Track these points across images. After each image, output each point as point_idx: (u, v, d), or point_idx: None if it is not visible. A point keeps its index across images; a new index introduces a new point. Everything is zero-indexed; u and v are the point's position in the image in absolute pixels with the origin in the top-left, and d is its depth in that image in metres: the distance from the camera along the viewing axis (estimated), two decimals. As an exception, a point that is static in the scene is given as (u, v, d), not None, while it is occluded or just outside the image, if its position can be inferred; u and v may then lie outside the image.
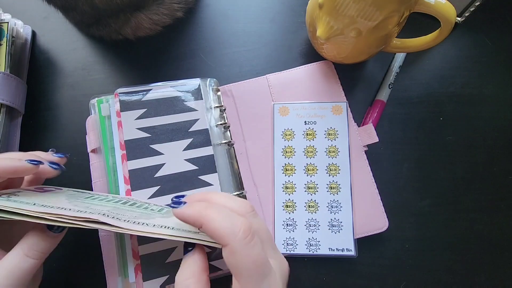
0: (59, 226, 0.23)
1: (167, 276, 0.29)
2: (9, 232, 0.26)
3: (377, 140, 0.34)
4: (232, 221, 0.19)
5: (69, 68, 0.39)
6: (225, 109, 0.35)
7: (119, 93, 0.33)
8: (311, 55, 0.38)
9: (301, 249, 0.32)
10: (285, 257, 0.32)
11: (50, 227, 0.23)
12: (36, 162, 0.24)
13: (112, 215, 0.22)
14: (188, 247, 0.22)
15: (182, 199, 0.22)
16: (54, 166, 0.26)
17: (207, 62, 0.39)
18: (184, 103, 0.33)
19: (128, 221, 0.22)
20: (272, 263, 0.20)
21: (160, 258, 0.29)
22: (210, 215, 0.19)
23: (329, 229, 0.33)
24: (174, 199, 0.22)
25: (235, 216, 0.20)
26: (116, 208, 0.24)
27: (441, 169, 0.36)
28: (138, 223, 0.22)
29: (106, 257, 0.32)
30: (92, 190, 0.34)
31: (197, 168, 0.32)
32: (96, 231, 0.32)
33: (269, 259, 0.20)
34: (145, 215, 0.24)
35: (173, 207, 0.21)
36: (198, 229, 0.21)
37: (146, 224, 0.22)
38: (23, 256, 0.22)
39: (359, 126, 0.36)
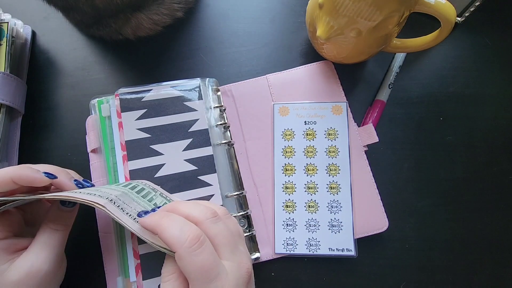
0: (69, 202, 0.27)
1: None
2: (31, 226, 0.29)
3: (377, 140, 0.34)
4: (182, 229, 0.22)
5: (69, 68, 0.39)
6: (225, 109, 0.35)
7: (120, 93, 0.33)
8: (311, 55, 0.38)
9: (301, 249, 0.32)
10: (285, 257, 0.33)
11: (62, 203, 0.27)
12: (52, 176, 0.26)
13: (118, 203, 0.24)
14: None
15: (153, 211, 0.25)
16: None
17: (207, 62, 0.39)
18: (184, 103, 0.33)
19: (130, 215, 0.24)
20: (227, 265, 0.22)
21: (159, 257, 0.29)
22: (164, 224, 0.22)
23: (329, 229, 0.33)
24: (150, 210, 0.25)
25: (187, 225, 0.22)
26: (125, 194, 0.26)
27: (441, 169, 0.36)
28: (135, 219, 0.24)
29: (106, 257, 0.32)
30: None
31: (197, 168, 0.32)
32: (96, 231, 0.32)
33: (225, 262, 0.22)
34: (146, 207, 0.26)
35: (139, 216, 0.24)
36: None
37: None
38: (52, 229, 0.25)
39: (359, 126, 0.36)
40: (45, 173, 0.25)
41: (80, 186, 0.28)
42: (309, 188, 0.34)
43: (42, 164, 0.27)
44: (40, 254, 0.24)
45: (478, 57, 0.39)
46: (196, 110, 0.33)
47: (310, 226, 0.33)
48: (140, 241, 0.29)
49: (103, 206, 0.23)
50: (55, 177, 0.26)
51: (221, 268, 0.22)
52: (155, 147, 0.32)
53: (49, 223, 0.26)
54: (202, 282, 0.21)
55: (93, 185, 0.28)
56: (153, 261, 0.29)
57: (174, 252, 0.22)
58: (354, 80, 0.38)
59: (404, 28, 0.32)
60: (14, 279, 0.23)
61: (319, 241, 0.33)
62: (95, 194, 0.24)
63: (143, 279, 0.28)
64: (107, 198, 0.24)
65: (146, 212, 0.24)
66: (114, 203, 0.24)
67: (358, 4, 0.27)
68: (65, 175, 0.27)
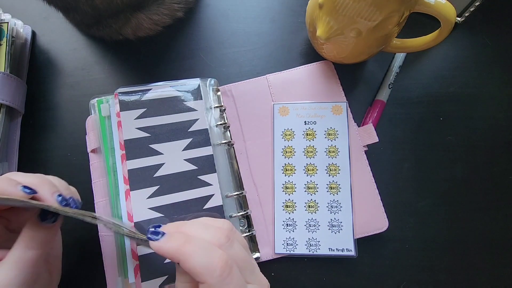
0: (52, 216, 0.24)
1: (166, 277, 0.29)
2: (7, 235, 0.26)
3: (377, 140, 0.34)
4: (209, 258, 0.20)
5: (69, 68, 0.39)
6: (225, 109, 0.35)
7: (119, 93, 0.33)
8: (311, 55, 0.38)
9: (301, 249, 0.32)
10: (285, 257, 0.33)
11: (42, 218, 0.23)
12: (29, 192, 0.23)
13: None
14: None
15: (160, 229, 0.22)
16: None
17: (207, 62, 0.39)
18: (184, 103, 0.33)
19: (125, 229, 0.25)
20: None
21: (158, 259, 0.29)
22: (188, 252, 0.20)
23: (329, 229, 0.33)
24: (151, 229, 0.22)
25: (213, 250, 0.20)
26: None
27: (441, 169, 0.36)
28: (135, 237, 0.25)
29: (106, 257, 0.32)
30: (92, 190, 0.34)
31: (196, 168, 0.32)
32: (96, 231, 0.32)
33: (248, 285, 0.21)
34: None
35: (150, 239, 0.22)
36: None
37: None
38: (24, 248, 0.22)
39: (359, 126, 0.36)
40: (24, 187, 0.23)
41: (64, 203, 0.24)
42: (309, 188, 0.34)
43: (27, 173, 0.25)
44: (8, 274, 0.21)
45: (478, 57, 0.39)
46: (196, 110, 0.33)
47: (310, 226, 0.33)
48: (139, 242, 0.29)
49: (95, 217, 0.22)
50: (34, 192, 0.23)
51: None
52: (154, 146, 0.32)
53: (22, 240, 0.23)
54: None
55: (78, 207, 0.25)
56: (152, 263, 0.29)
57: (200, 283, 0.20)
58: (354, 80, 0.38)
59: (404, 28, 0.32)
60: None
61: (319, 241, 0.33)
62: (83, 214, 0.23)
63: (142, 281, 0.28)
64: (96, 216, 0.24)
65: (155, 233, 0.22)
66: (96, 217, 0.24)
67: (358, 4, 0.27)
68: (48, 189, 0.24)
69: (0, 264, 0.22)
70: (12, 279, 0.22)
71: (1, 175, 0.33)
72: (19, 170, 0.35)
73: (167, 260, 0.29)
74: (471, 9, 0.38)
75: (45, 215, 0.23)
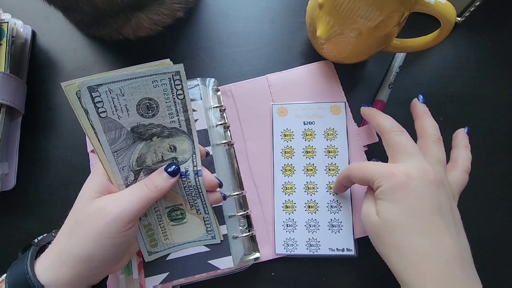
0: (176, 167, 0.26)
1: (168, 273, 0.29)
2: None
3: (377, 140, 0.34)
4: (392, 123, 0.29)
5: (69, 68, 0.39)
6: (225, 109, 0.35)
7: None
8: (311, 55, 0.38)
9: (301, 250, 0.32)
10: (285, 257, 0.33)
11: (166, 168, 0.26)
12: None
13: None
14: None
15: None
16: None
17: (207, 62, 0.39)
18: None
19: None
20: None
21: (161, 256, 0.29)
22: (379, 116, 0.30)
23: (329, 229, 0.33)
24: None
25: (394, 121, 0.30)
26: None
27: (441, 169, 0.36)
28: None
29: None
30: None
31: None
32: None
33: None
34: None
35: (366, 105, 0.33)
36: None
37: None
38: (148, 189, 0.25)
39: (359, 126, 0.36)
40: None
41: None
42: (308, 189, 0.34)
43: None
44: (133, 205, 0.24)
45: (478, 57, 0.39)
46: (196, 110, 0.33)
47: (310, 226, 0.33)
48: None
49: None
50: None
51: (416, 151, 0.26)
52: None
53: (148, 182, 0.25)
54: (403, 156, 0.26)
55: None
56: (155, 259, 0.29)
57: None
58: (354, 80, 0.38)
59: (404, 28, 0.32)
60: (116, 212, 0.23)
61: (319, 241, 0.33)
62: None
63: (145, 276, 0.29)
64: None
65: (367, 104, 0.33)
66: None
67: (358, 4, 0.27)
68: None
69: (125, 193, 0.25)
70: (135, 211, 0.24)
71: (1, 174, 0.34)
72: (19, 170, 0.35)
73: (169, 257, 0.30)
74: (471, 9, 0.38)
75: (169, 166, 0.26)
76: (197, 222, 0.29)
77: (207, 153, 0.30)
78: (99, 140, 0.23)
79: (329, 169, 0.34)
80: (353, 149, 0.35)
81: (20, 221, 0.35)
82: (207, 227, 0.29)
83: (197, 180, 0.27)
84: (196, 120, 0.33)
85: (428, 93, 0.38)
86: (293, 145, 0.35)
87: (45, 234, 0.28)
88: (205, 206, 0.28)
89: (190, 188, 0.27)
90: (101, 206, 0.24)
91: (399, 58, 0.38)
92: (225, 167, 0.33)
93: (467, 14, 0.38)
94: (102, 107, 0.23)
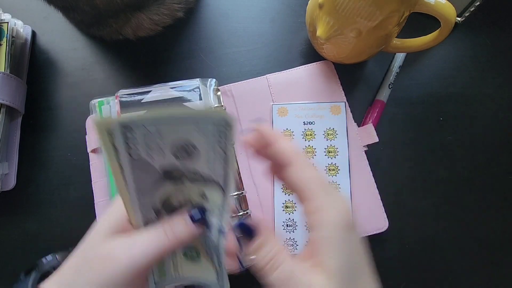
0: (201, 214, 0.22)
1: None
2: None
3: (377, 140, 0.34)
4: (294, 146, 0.22)
5: (69, 68, 0.39)
6: (225, 109, 0.35)
7: (120, 95, 0.33)
8: (311, 55, 0.38)
9: (302, 250, 0.32)
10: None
11: (193, 219, 0.22)
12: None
13: None
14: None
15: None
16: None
17: (207, 62, 0.39)
18: (184, 103, 0.33)
19: None
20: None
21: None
22: (280, 137, 0.22)
23: (329, 229, 0.33)
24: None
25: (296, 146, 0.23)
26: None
27: (441, 169, 0.36)
28: None
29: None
30: (92, 190, 0.34)
31: (197, 168, 0.32)
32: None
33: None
34: None
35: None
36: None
37: None
38: (160, 230, 0.21)
39: (359, 126, 0.36)
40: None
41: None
42: (309, 188, 0.34)
43: None
44: (144, 251, 0.21)
45: (478, 57, 0.39)
46: (196, 110, 0.33)
47: (310, 226, 0.33)
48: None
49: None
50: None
51: (332, 188, 0.21)
52: (155, 147, 0.32)
53: (165, 224, 0.22)
54: (323, 192, 0.20)
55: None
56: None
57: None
58: (354, 80, 0.38)
59: (404, 28, 0.32)
60: (124, 259, 0.20)
61: (319, 241, 0.32)
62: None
63: None
64: None
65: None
66: None
67: (358, 4, 0.27)
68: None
69: (139, 238, 0.21)
70: (147, 262, 0.21)
71: (1, 175, 0.34)
72: (19, 170, 0.35)
73: None
74: (471, 9, 0.38)
75: (198, 216, 0.22)
76: (210, 268, 0.26)
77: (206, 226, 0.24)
78: (124, 179, 0.20)
79: (329, 169, 0.34)
80: (353, 149, 0.35)
81: (20, 221, 0.35)
82: (218, 277, 0.26)
83: (219, 238, 0.24)
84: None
85: (428, 93, 0.38)
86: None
87: (50, 257, 0.27)
88: (219, 262, 0.25)
89: (210, 241, 0.24)
90: (111, 249, 0.21)
91: (399, 58, 0.38)
92: (225, 167, 0.33)
93: (467, 14, 0.38)
94: (135, 147, 0.20)
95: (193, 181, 0.22)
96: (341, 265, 0.18)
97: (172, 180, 0.22)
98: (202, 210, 0.22)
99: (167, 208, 0.23)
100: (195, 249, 0.25)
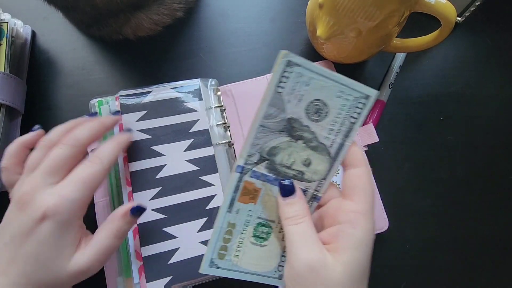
0: (140, 211, 0.26)
1: (171, 277, 0.29)
2: None
3: (377, 140, 0.34)
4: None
5: (69, 68, 0.39)
6: (225, 109, 0.35)
7: (120, 95, 0.33)
8: (311, 55, 0.38)
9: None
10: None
11: (132, 212, 0.26)
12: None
13: None
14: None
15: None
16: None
17: (207, 62, 0.39)
18: (185, 104, 0.33)
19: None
20: None
21: (163, 259, 0.29)
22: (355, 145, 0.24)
23: (329, 229, 0.33)
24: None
25: None
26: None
27: (441, 169, 0.36)
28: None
29: (106, 257, 0.32)
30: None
31: (198, 168, 0.32)
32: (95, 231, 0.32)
33: None
34: None
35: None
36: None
37: None
38: (113, 237, 0.25)
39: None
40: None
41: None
42: (309, 188, 0.34)
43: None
44: (91, 260, 0.24)
45: (478, 57, 0.39)
46: (197, 111, 0.33)
47: (310, 226, 0.33)
48: (143, 243, 0.29)
49: None
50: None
51: (373, 208, 0.23)
52: (156, 148, 0.32)
53: (110, 229, 0.25)
54: (368, 205, 0.22)
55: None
56: (156, 264, 0.29)
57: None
58: (354, 80, 0.38)
59: (404, 28, 0.32)
60: (72, 272, 0.23)
61: (319, 241, 0.32)
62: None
63: (146, 281, 0.28)
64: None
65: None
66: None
67: (358, 4, 0.27)
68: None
69: (88, 246, 0.24)
70: (94, 267, 0.24)
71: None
72: (19, 170, 0.35)
73: (171, 261, 0.29)
74: (472, 9, 0.38)
75: (137, 210, 0.26)
76: (274, 251, 0.25)
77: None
78: (262, 108, 0.23)
79: (329, 169, 0.34)
80: (353, 149, 0.35)
81: (20, 221, 0.35)
82: (281, 260, 0.25)
83: (311, 206, 0.25)
84: (197, 121, 0.33)
85: (428, 93, 0.38)
86: (293, 145, 0.35)
87: None
88: None
89: None
90: None
91: (399, 58, 0.38)
92: (225, 167, 0.33)
93: (468, 14, 0.38)
94: (284, 82, 0.22)
95: (307, 144, 0.23)
96: (356, 263, 0.21)
97: (288, 136, 0.23)
98: (291, 182, 0.24)
99: (268, 162, 0.24)
100: (268, 227, 0.25)
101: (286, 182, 0.23)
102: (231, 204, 0.24)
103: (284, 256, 0.25)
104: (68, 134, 0.26)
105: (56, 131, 0.26)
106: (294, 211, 0.22)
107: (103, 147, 0.27)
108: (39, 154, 0.25)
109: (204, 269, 0.25)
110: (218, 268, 0.25)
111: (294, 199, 0.23)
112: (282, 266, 0.25)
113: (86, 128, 0.26)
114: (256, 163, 0.24)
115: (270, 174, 0.24)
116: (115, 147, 0.27)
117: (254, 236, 0.25)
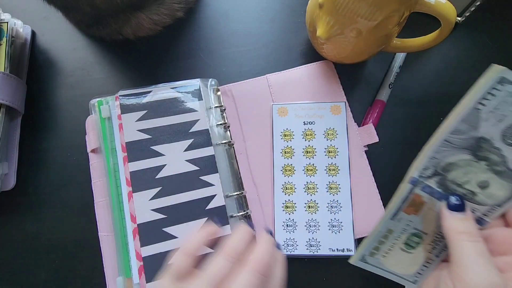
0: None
1: None
2: None
3: (377, 140, 0.34)
4: None
5: (69, 68, 0.39)
6: (225, 109, 0.35)
7: (120, 95, 0.33)
8: (311, 55, 0.38)
9: (302, 250, 0.32)
10: (285, 257, 0.33)
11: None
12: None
13: None
14: None
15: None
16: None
17: (207, 62, 0.39)
18: (185, 104, 0.33)
19: None
20: None
21: (163, 259, 0.29)
22: None
23: (329, 229, 0.33)
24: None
25: None
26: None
27: (441, 169, 0.36)
28: None
29: (106, 257, 0.32)
30: (92, 190, 0.34)
31: (198, 168, 0.32)
32: (96, 232, 0.32)
33: None
34: None
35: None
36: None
37: None
38: (256, 274, 0.24)
39: (359, 126, 0.36)
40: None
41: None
42: (308, 189, 0.34)
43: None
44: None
45: (479, 57, 0.39)
46: (197, 111, 0.33)
47: (310, 226, 0.33)
48: (143, 243, 0.29)
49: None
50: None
51: None
52: (156, 148, 0.32)
53: (256, 267, 0.24)
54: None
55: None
56: (156, 264, 0.29)
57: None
58: (354, 80, 0.38)
59: (404, 28, 0.32)
60: None
61: (319, 242, 0.33)
62: None
63: (146, 282, 0.28)
64: None
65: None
66: None
67: (358, 4, 0.27)
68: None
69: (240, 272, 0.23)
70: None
71: (1, 174, 0.34)
72: (18, 170, 0.35)
73: (171, 261, 0.29)
74: (472, 9, 0.38)
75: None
76: (417, 260, 0.25)
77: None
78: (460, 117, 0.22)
79: (329, 169, 0.34)
80: (353, 149, 0.35)
81: (20, 221, 0.35)
82: (422, 270, 0.26)
83: None
84: (197, 121, 0.33)
85: (428, 93, 0.38)
86: (293, 145, 0.35)
87: None
88: (442, 251, 0.25)
89: None
90: None
91: (399, 58, 0.38)
92: (225, 167, 0.33)
93: (468, 14, 0.38)
94: (488, 100, 0.20)
95: (491, 167, 0.22)
96: None
97: (471, 155, 0.22)
98: (460, 198, 0.23)
99: (441, 178, 0.23)
100: (420, 238, 0.25)
101: (457, 197, 0.22)
102: (396, 214, 0.24)
103: (426, 266, 0.25)
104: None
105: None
106: (467, 227, 0.22)
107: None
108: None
109: (355, 261, 0.26)
110: (366, 263, 0.26)
111: (466, 216, 0.22)
112: (420, 274, 0.25)
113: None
114: (429, 177, 0.23)
115: (439, 190, 0.23)
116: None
117: (405, 243, 0.25)
